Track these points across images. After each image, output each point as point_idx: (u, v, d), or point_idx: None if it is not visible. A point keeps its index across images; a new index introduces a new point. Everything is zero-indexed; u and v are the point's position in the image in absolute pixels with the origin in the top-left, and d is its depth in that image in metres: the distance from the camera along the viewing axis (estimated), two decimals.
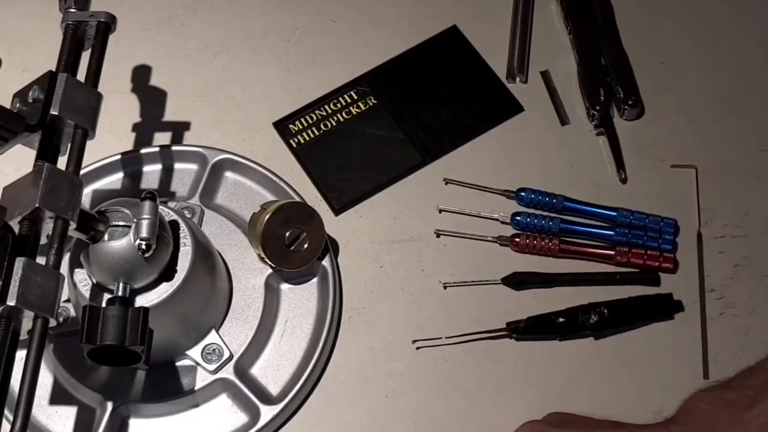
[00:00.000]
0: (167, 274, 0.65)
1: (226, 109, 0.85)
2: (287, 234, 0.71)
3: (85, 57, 0.69)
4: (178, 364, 0.71)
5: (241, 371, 0.71)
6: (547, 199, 0.77)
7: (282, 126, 0.83)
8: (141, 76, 0.86)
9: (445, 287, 0.75)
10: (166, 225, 0.66)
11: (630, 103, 0.81)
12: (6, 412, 0.59)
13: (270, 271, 0.74)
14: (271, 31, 0.88)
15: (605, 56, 0.83)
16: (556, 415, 0.68)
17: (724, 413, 0.60)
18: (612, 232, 0.76)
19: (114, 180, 0.80)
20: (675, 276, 0.75)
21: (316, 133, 0.83)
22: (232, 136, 0.83)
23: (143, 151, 0.80)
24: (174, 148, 0.81)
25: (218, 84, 0.86)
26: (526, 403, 0.71)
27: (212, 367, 0.70)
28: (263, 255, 0.71)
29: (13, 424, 0.53)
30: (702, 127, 0.81)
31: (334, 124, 0.83)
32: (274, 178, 0.78)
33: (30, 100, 0.63)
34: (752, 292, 0.74)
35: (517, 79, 0.84)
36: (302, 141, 0.82)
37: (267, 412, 0.69)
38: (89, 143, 0.65)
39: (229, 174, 0.80)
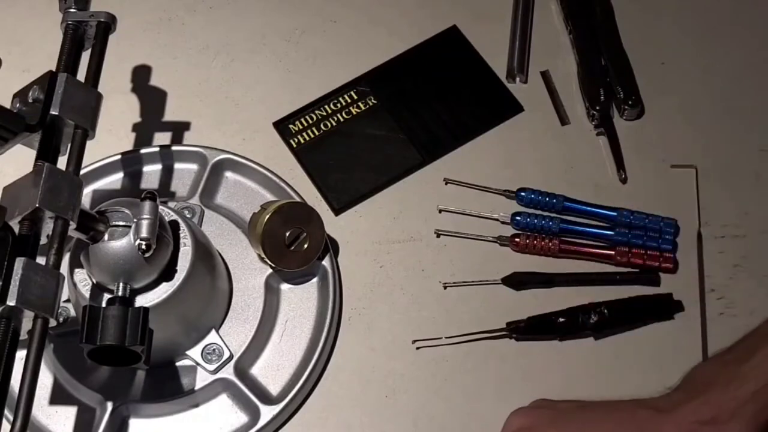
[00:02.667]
0: (167, 274, 0.65)
1: (226, 109, 0.85)
2: (287, 234, 0.71)
3: (85, 57, 0.69)
4: (178, 364, 0.71)
5: (241, 371, 0.71)
6: (547, 199, 0.77)
7: (282, 126, 0.83)
8: (141, 76, 0.86)
9: (445, 287, 0.75)
10: (166, 225, 0.66)
11: (630, 103, 0.81)
12: (6, 412, 0.59)
13: (270, 271, 0.74)
14: (271, 31, 0.88)
15: (605, 56, 0.83)
16: (539, 401, 0.68)
17: (723, 371, 0.61)
18: (612, 232, 0.76)
19: (114, 180, 0.80)
20: (675, 276, 0.75)
21: (316, 133, 0.83)
22: (232, 136, 0.83)
23: (143, 151, 0.80)
24: (174, 148, 0.81)
25: (218, 84, 0.86)
26: (526, 403, 0.70)
27: (212, 367, 0.70)
28: (263, 255, 0.71)
29: (13, 424, 0.53)
30: (702, 127, 0.81)
31: (334, 124, 0.83)
32: (274, 178, 0.78)
33: (30, 100, 0.63)
34: (752, 292, 0.74)
35: (517, 79, 0.84)
36: (302, 141, 0.82)
37: (267, 412, 0.69)
38: (89, 143, 0.65)
39: (229, 174, 0.80)
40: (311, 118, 0.83)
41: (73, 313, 0.70)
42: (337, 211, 0.79)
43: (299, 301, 0.74)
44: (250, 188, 0.79)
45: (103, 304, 0.62)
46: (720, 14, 0.87)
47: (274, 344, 0.73)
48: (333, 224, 0.78)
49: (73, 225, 0.59)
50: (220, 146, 0.80)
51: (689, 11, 0.87)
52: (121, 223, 0.63)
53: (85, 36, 0.69)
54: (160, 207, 0.65)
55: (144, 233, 0.62)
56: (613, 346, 0.72)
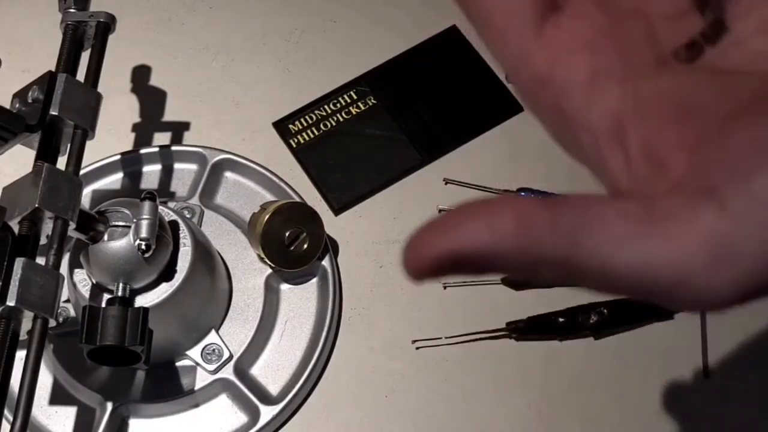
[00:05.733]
0: (167, 274, 0.65)
1: (226, 109, 0.85)
2: (287, 234, 0.71)
3: (85, 57, 0.69)
4: (178, 364, 0.71)
5: (241, 371, 0.71)
6: None
7: (282, 126, 0.83)
8: (141, 76, 0.86)
9: (445, 287, 0.75)
10: (166, 225, 0.66)
11: None
12: (6, 412, 0.59)
13: (270, 271, 0.74)
14: (271, 31, 0.88)
15: None
16: None
17: None
18: None
19: (114, 180, 0.80)
20: None
21: (316, 133, 0.83)
22: (232, 136, 0.83)
23: (143, 151, 0.80)
24: (174, 148, 0.81)
25: (218, 84, 0.86)
26: (526, 403, 0.71)
27: (212, 367, 0.70)
28: (263, 255, 0.71)
29: (13, 424, 0.53)
30: None
31: (334, 124, 0.83)
32: (274, 178, 0.78)
33: (30, 101, 0.62)
34: None
35: None
36: (302, 141, 0.82)
37: (267, 412, 0.69)
38: (89, 143, 0.65)
39: (229, 174, 0.80)
40: (311, 118, 0.83)
41: (73, 313, 0.70)
42: (337, 211, 0.79)
43: (299, 301, 0.74)
44: (250, 188, 0.79)
45: (103, 304, 0.62)
46: None
47: (274, 344, 0.73)
48: (333, 224, 0.78)
49: (72, 225, 0.59)
50: (220, 146, 0.80)
51: None
52: (120, 224, 0.63)
53: (85, 36, 0.69)
54: (160, 207, 0.65)
55: (144, 233, 0.62)
56: (613, 346, 0.72)
